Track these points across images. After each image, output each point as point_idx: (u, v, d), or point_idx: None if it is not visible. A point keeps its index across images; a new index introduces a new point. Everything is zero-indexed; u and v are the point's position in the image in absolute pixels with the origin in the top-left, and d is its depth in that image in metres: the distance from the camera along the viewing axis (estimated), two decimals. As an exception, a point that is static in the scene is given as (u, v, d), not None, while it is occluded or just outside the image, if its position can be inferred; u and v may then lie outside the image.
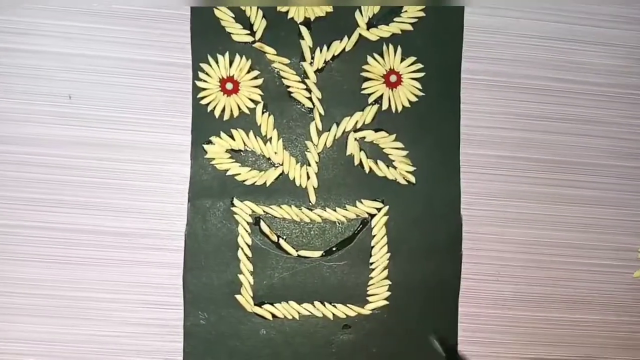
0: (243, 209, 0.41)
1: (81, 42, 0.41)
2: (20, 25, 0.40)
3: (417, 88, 0.42)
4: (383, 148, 0.42)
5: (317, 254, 0.42)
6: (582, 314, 0.43)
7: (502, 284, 0.43)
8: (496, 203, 0.43)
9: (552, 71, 0.44)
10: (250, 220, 0.41)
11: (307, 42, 0.42)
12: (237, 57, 0.41)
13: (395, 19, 0.42)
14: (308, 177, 0.42)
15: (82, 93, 0.41)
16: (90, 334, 0.41)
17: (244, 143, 0.41)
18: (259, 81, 0.42)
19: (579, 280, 0.43)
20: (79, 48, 0.41)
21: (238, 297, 0.41)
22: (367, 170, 0.42)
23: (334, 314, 0.41)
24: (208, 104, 0.41)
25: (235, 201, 0.41)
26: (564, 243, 0.43)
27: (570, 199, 0.43)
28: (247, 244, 0.41)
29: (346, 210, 0.42)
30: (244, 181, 0.41)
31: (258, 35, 0.41)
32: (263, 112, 0.41)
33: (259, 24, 0.41)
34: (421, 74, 0.42)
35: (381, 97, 0.42)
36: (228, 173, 0.41)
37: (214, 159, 0.41)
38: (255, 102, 0.42)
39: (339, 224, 0.42)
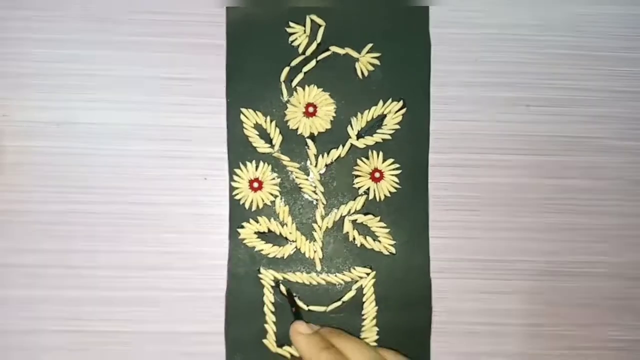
0: (267, 276, 0.52)
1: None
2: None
3: (395, 182, 0.52)
4: (370, 227, 0.52)
5: (322, 308, 0.52)
6: None
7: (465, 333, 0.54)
8: (460, 269, 0.54)
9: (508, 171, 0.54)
10: (272, 284, 0.52)
11: (312, 151, 0.52)
12: (262, 163, 0.52)
13: (377, 131, 0.52)
14: (315, 251, 0.52)
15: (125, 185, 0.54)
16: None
17: (267, 227, 0.53)
18: (277, 180, 0.52)
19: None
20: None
21: (265, 341, 0.52)
22: (358, 244, 0.52)
23: (336, 353, 0.53)
24: (240, 198, 0.52)
25: (262, 270, 0.52)
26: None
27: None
28: (270, 301, 0.51)
29: (344, 275, 0.52)
30: (267, 255, 0.52)
31: (276, 147, 0.52)
32: (280, 204, 0.53)
33: (277, 139, 0.52)
34: (398, 172, 0.52)
35: (368, 189, 0.52)
36: (256, 249, 0.52)
37: (245, 238, 0.52)
38: (275, 196, 0.52)
39: (339, 285, 0.53)
